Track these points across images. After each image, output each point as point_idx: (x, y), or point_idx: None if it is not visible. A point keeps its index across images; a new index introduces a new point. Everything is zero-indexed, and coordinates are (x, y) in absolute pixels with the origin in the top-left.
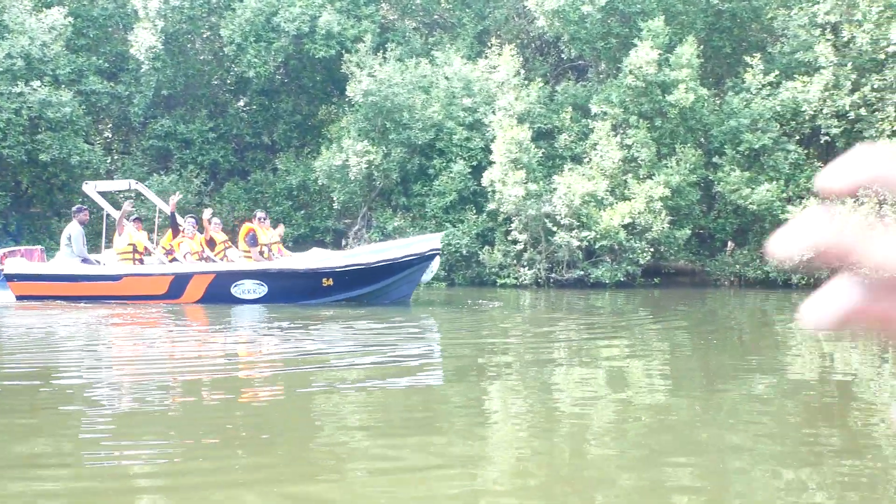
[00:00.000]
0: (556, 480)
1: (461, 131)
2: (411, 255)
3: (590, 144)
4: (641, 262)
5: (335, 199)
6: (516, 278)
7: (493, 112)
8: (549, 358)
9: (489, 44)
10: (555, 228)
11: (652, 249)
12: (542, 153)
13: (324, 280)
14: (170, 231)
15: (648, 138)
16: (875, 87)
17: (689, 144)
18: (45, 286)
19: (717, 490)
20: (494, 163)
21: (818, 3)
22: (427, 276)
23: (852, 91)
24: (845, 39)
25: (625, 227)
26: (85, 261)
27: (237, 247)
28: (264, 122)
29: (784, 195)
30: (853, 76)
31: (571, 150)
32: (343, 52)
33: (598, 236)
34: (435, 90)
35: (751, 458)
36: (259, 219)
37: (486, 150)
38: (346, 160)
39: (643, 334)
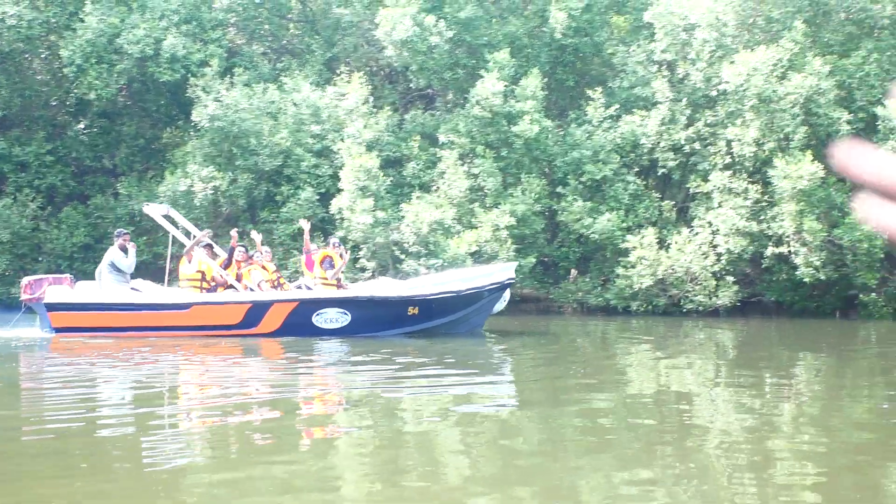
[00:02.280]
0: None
1: (309, 158)
2: (494, 284)
3: (437, 173)
4: None
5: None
6: None
7: (342, 139)
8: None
9: (338, 71)
10: (403, 256)
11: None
12: (391, 181)
13: (409, 309)
14: (218, 260)
15: (495, 168)
16: (708, 122)
17: (534, 174)
18: (97, 317)
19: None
20: (343, 190)
21: (655, 41)
22: (500, 306)
23: (687, 126)
24: (680, 76)
25: (471, 254)
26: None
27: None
28: (105, 146)
29: (624, 224)
30: (688, 111)
31: (419, 178)
32: (189, 75)
33: (446, 264)
34: (283, 116)
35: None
36: (334, 245)
37: (335, 177)
38: (191, 185)
39: (488, 358)
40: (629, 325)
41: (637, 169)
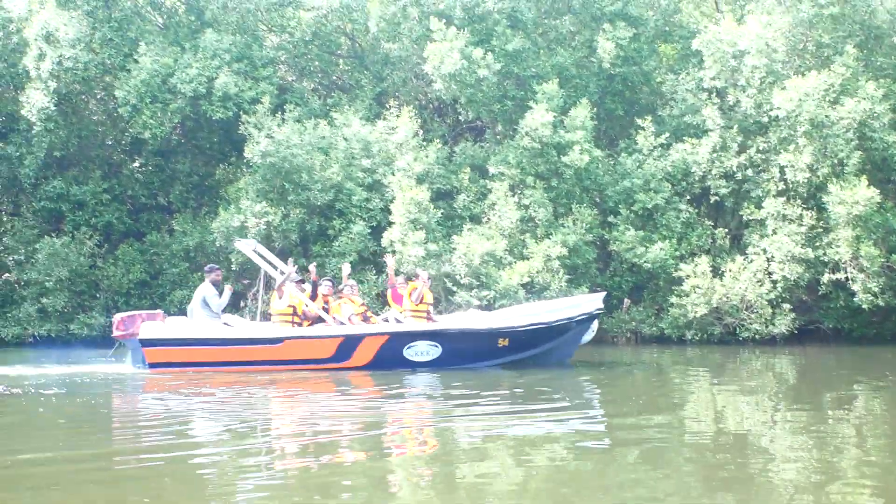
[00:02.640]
0: None
1: (360, 192)
2: (582, 315)
3: (488, 205)
4: None
5: (233, 260)
6: None
7: (392, 173)
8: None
9: (387, 105)
10: (455, 288)
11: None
12: (441, 213)
13: (500, 340)
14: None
15: (545, 198)
16: (760, 148)
17: (584, 204)
18: (191, 352)
19: None
20: (394, 223)
21: (704, 68)
22: (588, 337)
23: (739, 153)
24: (731, 103)
25: (523, 285)
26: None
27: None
28: (160, 183)
29: (677, 253)
30: (739, 138)
31: (470, 210)
32: (240, 112)
33: (498, 295)
34: (334, 151)
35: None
36: (424, 279)
37: (386, 210)
38: (245, 221)
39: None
40: (684, 354)
41: (689, 197)
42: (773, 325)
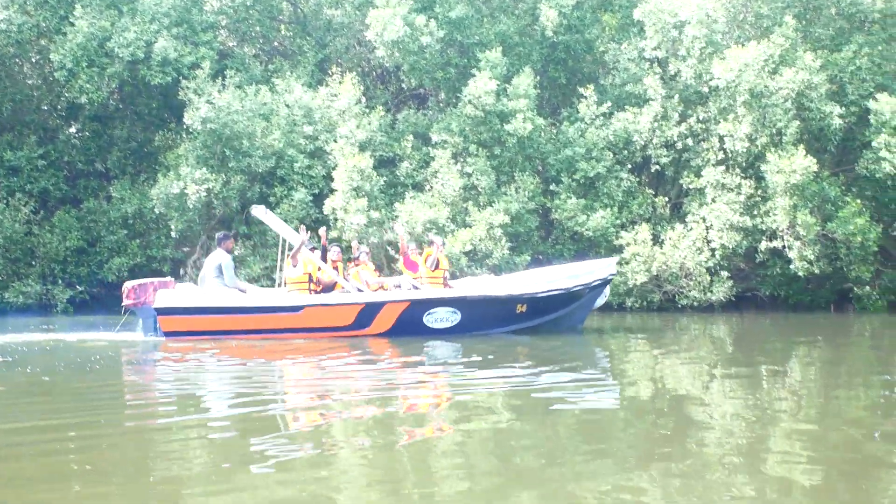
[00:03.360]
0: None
1: (302, 159)
2: (597, 280)
3: (431, 172)
4: None
5: (173, 227)
6: None
7: (335, 140)
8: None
9: (330, 72)
10: (397, 256)
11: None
12: (384, 181)
13: (518, 306)
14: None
15: (488, 166)
16: (700, 118)
17: (527, 172)
18: (209, 321)
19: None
20: (336, 191)
21: (645, 38)
22: (600, 302)
23: (679, 122)
24: (672, 73)
25: (466, 253)
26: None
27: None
28: (97, 149)
29: (618, 221)
30: (680, 108)
31: (412, 177)
32: (180, 78)
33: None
34: (275, 118)
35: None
36: (438, 245)
37: (328, 177)
38: (184, 188)
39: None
40: (624, 321)
41: (630, 166)
42: (712, 292)
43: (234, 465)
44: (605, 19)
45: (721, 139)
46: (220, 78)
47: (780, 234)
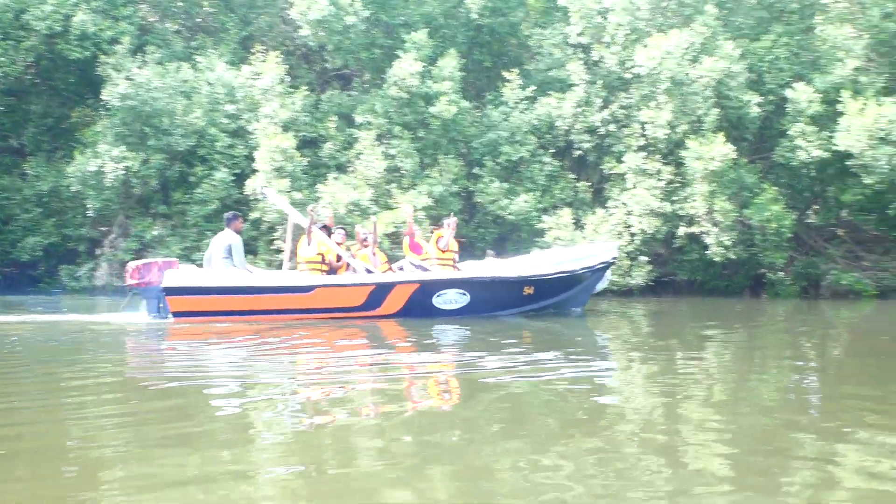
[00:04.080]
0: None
1: (224, 138)
2: (601, 263)
3: (354, 154)
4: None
5: (89, 206)
6: None
7: (257, 119)
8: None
9: (253, 50)
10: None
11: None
12: (307, 162)
13: (525, 289)
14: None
15: (411, 149)
16: (622, 104)
17: (451, 155)
18: (219, 301)
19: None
20: (258, 171)
21: (570, 24)
22: (602, 285)
23: (602, 108)
24: (595, 59)
25: (388, 235)
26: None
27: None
28: (12, 125)
29: (540, 205)
30: (603, 94)
31: (336, 159)
32: (99, 53)
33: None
34: (197, 95)
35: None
36: (448, 225)
37: (250, 158)
38: (102, 166)
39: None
40: None
41: (553, 150)
42: (631, 276)
43: (154, 442)
44: (530, 3)
45: (642, 125)
46: (140, 54)
47: (698, 220)
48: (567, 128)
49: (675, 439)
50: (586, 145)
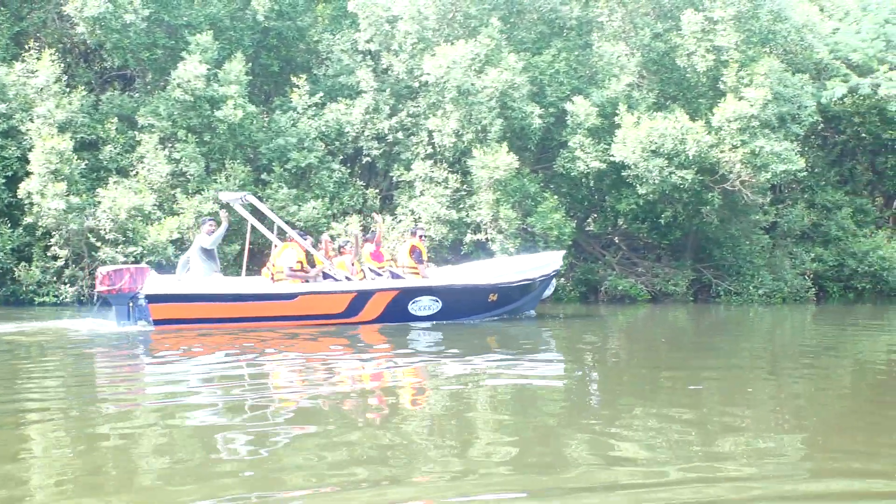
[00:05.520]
0: None
1: None
2: (554, 272)
3: (137, 157)
4: None
5: None
6: (56, 296)
7: (31, 120)
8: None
9: (27, 46)
10: (99, 244)
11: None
12: (86, 165)
13: (490, 296)
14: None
15: (197, 153)
16: (410, 112)
17: (238, 160)
18: (202, 308)
19: None
20: (32, 174)
21: (359, 30)
22: (549, 291)
23: (391, 115)
24: (384, 67)
25: (173, 242)
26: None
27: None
28: None
29: (329, 212)
30: (391, 101)
31: (117, 162)
32: None
33: (146, 251)
34: None
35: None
36: (421, 236)
37: (23, 159)
38: None
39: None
40: None
41: (342, 157)
42: None
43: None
44: (318, 9)
45: (430, 134)
46: None
47: (484, 227)
48: (356, 134)
49: (465, 433)
50: (375, 152)
